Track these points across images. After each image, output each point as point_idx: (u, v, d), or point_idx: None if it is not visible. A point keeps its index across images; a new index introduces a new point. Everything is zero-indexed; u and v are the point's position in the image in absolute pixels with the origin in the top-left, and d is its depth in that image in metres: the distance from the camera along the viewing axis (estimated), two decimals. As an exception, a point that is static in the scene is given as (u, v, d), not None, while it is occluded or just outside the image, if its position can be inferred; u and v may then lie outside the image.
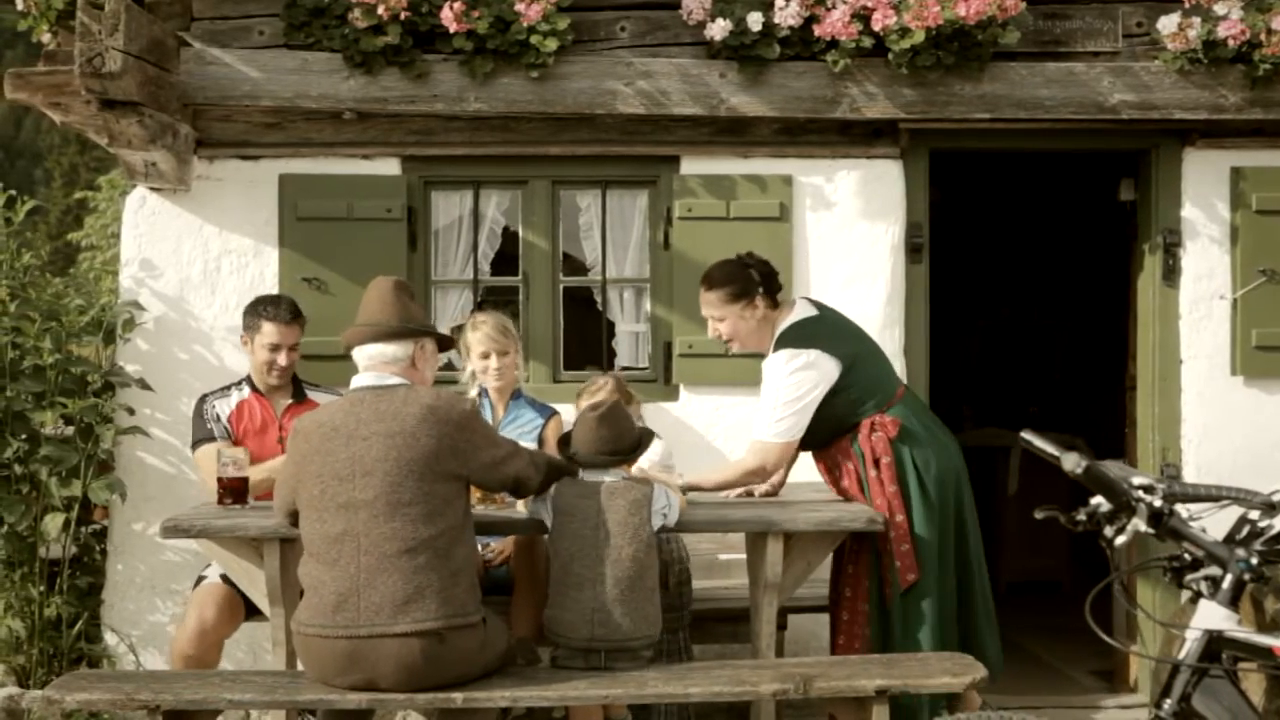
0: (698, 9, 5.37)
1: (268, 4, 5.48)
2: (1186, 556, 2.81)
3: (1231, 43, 5.31)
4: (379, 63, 5.40)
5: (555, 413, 4.92)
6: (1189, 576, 2.79)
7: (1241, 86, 5.44)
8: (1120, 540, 2.79)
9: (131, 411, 5.45)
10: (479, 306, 5.66)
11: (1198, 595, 2.77)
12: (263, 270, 5.59)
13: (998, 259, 9.33)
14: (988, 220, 9.00)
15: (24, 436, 5.23)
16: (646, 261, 5.73)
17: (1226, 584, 2.72)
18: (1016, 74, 5.48)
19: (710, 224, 5.56)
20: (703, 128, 5.61)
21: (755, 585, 4.34)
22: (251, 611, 4.64)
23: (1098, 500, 2.83)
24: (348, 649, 3.65)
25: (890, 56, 5.32)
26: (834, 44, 5.33)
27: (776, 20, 5.31)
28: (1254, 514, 2.81)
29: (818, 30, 5.30)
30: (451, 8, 5.21)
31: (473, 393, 4.92)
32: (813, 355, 4.38)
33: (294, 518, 3.86)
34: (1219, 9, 5.34)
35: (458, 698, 3.72)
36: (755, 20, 5.31)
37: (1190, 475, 5.61)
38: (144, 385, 5.40)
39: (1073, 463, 2.77)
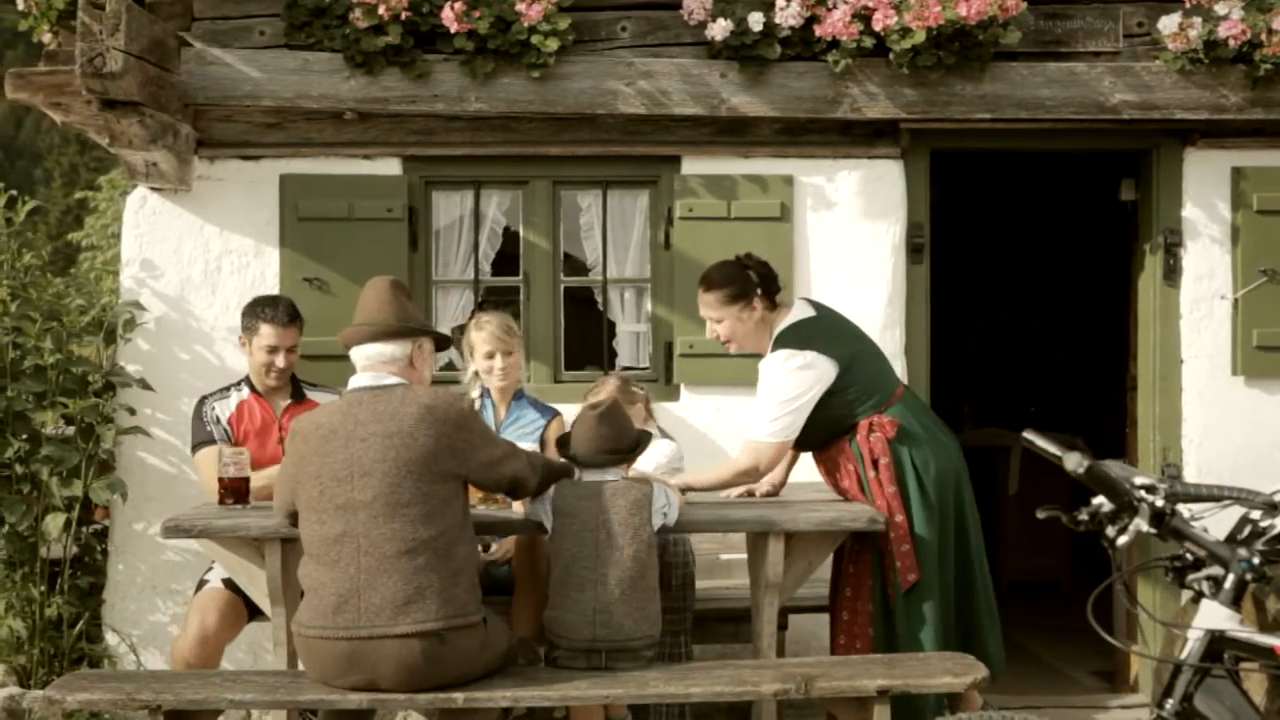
0: (699, 9, 5.37)
1: (268, 4, 5.48)
2: (1188, 556, 2.81)
3: (1232, 43, 5.31)
4: (380, 63, 5.40)
5: (557, 413, 4.91)
6: (1191, 576, 2.79)
7: (1242, 86, 5.44)
8: (1122, 540, 2.79)
9: (132, 411, 5.45)
10: (480, 307, 5.66)
11: (1199, 595, 2.77)
12: (264, 270, 5.59)
13: (998, 259, 9.33)
14: (988, 220, 9.00)
15: (25, 436, 5.23)
16: (647, 261, 5.74)
17: (1228, 584, 2.72)
18: (1017, 74, 5.48)
19: (711, 224, 5.57)
20: (703, 128, 5.61)
21: (756, 585, 4.34)
22: (253, 613, 4.64)
23: (1100, 500, 2.82)
24: (348, 650, 3.65)
25: (891, 56, 5.32)
26: (835, 44, 5.33)
27: (777, 20, 5.31)
28: (1255, 514, 2.81)
29: (818, 30, 5.31)
30: (452, 8, 5.21)
31: (474, 393, 4.91)
32: (810, 356, 4.38)
33: (293, 518, 3.85)
34: (1220, 9, 5.34)
35: (459, 698, 3.71)
36: (756, 20, 5.31)
37: (1191, 475, 5.61)
38: (145, 385, 5.40)
39: (1075, 463, 2.77)
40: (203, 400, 5.00)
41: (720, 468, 4.68)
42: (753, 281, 4.50)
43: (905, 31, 5.22)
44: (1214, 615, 2.71)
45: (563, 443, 4.20)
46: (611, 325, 5.83)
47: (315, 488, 3.71)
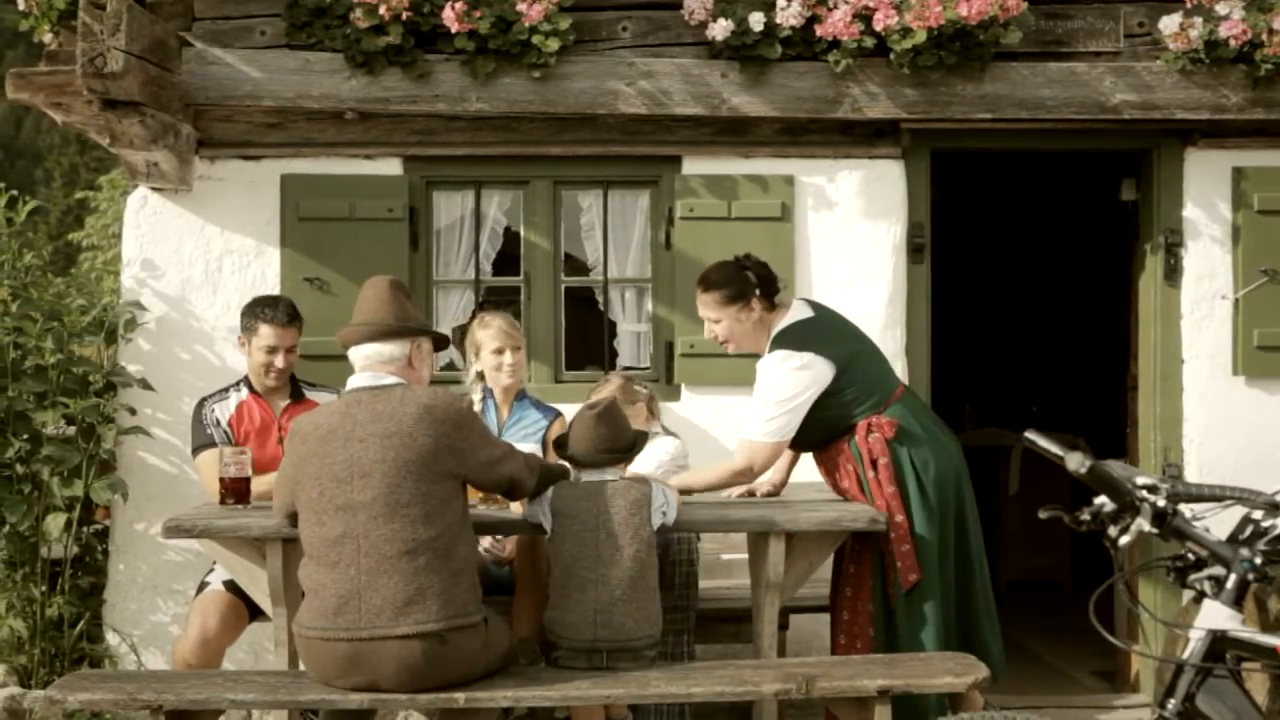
0: (699, 9, 5.37)
1: (269, 4, 5.48)
2: (1190, 556, 2.81)
3: (1233, 43, 5.31)
4: (381, 63, 5.40)
5: (559, 414, 4.91)
6: (1193, 576, 2.79)
7: (1243, 86, 5.44)
8: (1124, 540, 2.78)
9: (133, 411, 5.45)
10: (480, 307, 5.66)
11: (1201, 595, 2.77)
12: (264, 270, 5.59)
13: (999, 259, 9.33)
14: (989, 220, 9.00)
15: (26, 436, 5.23)
16: (648, 261, 5.74)
17: (1230, 584, 2.72)
18: (1018, 74, 5.48)
19: (712, 224, 5.57)
20: (704, 128, 5.61)
21: (757, 585, 4.34)
22: (254, 614, 4.63)
23: (1102, 500, 2.82)
24: (349, 651, 3.65)
25: (892, 56, 5.32)
26: (836, 44, 5.33)
27: (778, 20, 5.31)
28: (1257, 514, 2.81)
29: (819, 30, 5.31)
30: (453, 8, 5.21)
31: (476, 395, 4.91)
32: (807, 358, 4.38)
33: (293, 519, 3.85)
34: (1220, 9, 5.34)
35: (460, 698, 3.71)
36: (757, 20, 5.31)
37: (1192, 475, 5.61)
38: (146, 385, 5.40)
39: (1077, 462, 2.77)
40: (202, 402, 4.99)
41: (715, 468, 4.67)
42: (751, 282, 4.50)
43: (906, 31, 5.22)
44: (1216, 615, 2.71)
45: (560, 443, 4.20)
46: (612, 325, 5.83)
47: (315, 489, 3.71)
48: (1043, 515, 2.91)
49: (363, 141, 5.62)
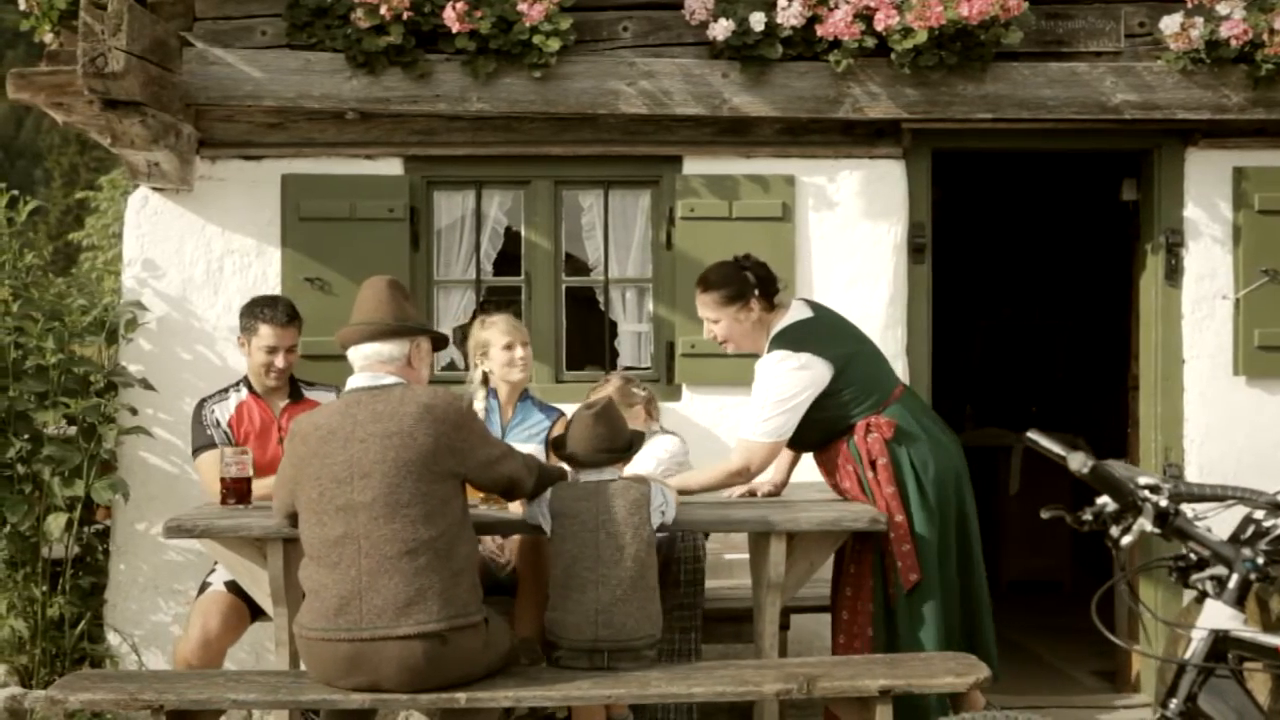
0: (700, 9, 5.37)
1: (270, 4, 5.48)
2: (1192, 556, 2.81)
3: (1234, 43, 5.31)
4: (381, 63, 5.40)
5: (562, 415, 4.91)
6: (1195, 576, 2.79)
7: (1244, 86, 5.44)
8: (1126, 540, 2.78)
9: (134, 411, 5.45)
10: (481, 307, 5.66)
11: (1203, 595, 2.77)
12: (265, 270, 5.59)
13: (1000, 259, 9.33)
14: (990, 220, 9.00)
15: (27, 436, 5.23)
16: (649, 261, 5.74)
17: (1232, 584, 2.72)
18: (1019, 74, 5.48)
19: (712, 224, 5.57)
20: (705, 128, 5.61)
21: (758, 585, 4.34)
22: (255, 614, 4.63)
23: (1104, 500, 2.82)
24: (350, 652, 3.65)
25: (893, 56, 5.32)
26: (836, 44, 5.33)
27: (779, 20, 5.31)
28: (1259, 514, 2.81)
29: (820, 30, 5.30)
30: (454, 8, 5.21)
31: (479, 396, 4.91)
32: (805, 358, 4.39)
33: (293, 519, 3.85)
34: (1221, 9, 5.34)
35: (461, 698, 3.71)
36: (758, 20, 5.31)
37: (1193, 475, 5.61)
38: (147, 385, 5.40)
39: (1079, 463, 2.76)
40: (201, 403, 4.99)
41: (713, 469, 4.67)
42: (750, 282, 4.50)
43: (907, 31, 5.22)
44: (1218, 615, 2.71)
45: (558, 444, 4.20)
46: (613, 325, 5.83)
47: (315, 489, 3.71)
48: (1045, 515, 2.91)
49: (364, 141, 5.62)
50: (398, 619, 3.61)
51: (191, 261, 5.60)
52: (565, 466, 4.21)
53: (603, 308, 5.81)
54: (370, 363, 3.88)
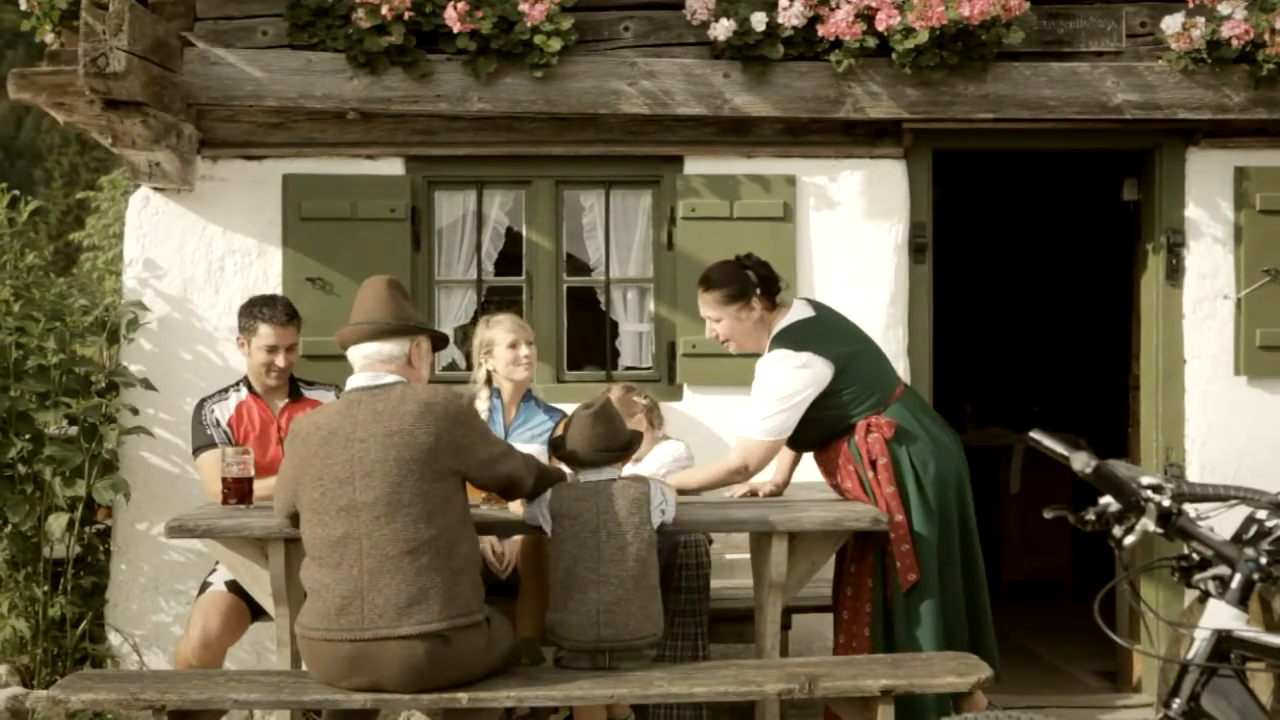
0: (701, 9, 5.37)
1: (271, 4, 5.48)
2: (1195, 556, 2.81)
3: (1235, 43, 5.31)
4: (383, 63, 5.40)
5: (565, 415, 4.91)
6: (1197, 576, 2.79)
7: (1245, 86, 5.44)
8: (1129, 540, 2.78)
9: (135, 411, 5.45)
10: (483, 308, 5.66)
11: (1206, 595, 2.77)
12: (266, 270, 5.59)
13: (1001, 259, 9.33)
14: (991, 220, 9.00)
15: (28, 436, 5.23)
16: (650, 261, 5.74)
17: (1235, 583, 2.71)
18: (1020, 74, 5.48)
19: (713, 224, 5.57)
20: (706, 128, 5.61)
21: (759, 585, 4.34)
22: (256, 614, 4.63)
23: (1107, 500, 2.82)
24: (352, 652, 3.65)
25: (894, 56, 5.32)
26: (838, 44, 5.33)
27: (780, 20, 5.31)
28: (1261, 514, 2.81)
29: (821, 30, 5.30)
30: (455, 8, 5.21)
31: (482, 395, 4.91)
32: (806, 357, 4.39)
33: (294, 520, 3.85)
34: (1223, 9, 5.34)
35: (463, 698, 3.71)
36: (759, 20, 5.31)
37: (1194, 475, 5.61)
38: (148, 385, 5.40)
39: (1082, 462, 2.76)
40: (201, 403, 4.99)
41: (711, 466, 4.68)
42: (751, 281, 4.50)
43: (908, 31, 5.22)
44: (1221, 615, 2.71)
45: (557, 444, 4.20)
46: (614, 325, 5.83)
47: (317, 490, 3.71)
48: (1048, 515, 2.91)
49: (365, 141, 5.62)
50: (399, 619, 3.61)
51: (193, 261, 5.60)
52: (565, 469, 4.21)
53: (604, 308, 5.81)
54: (370, 362, 3.88)
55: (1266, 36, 5.31)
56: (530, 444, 4.72)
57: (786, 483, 4.84)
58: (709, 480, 4.60)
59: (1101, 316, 8.41)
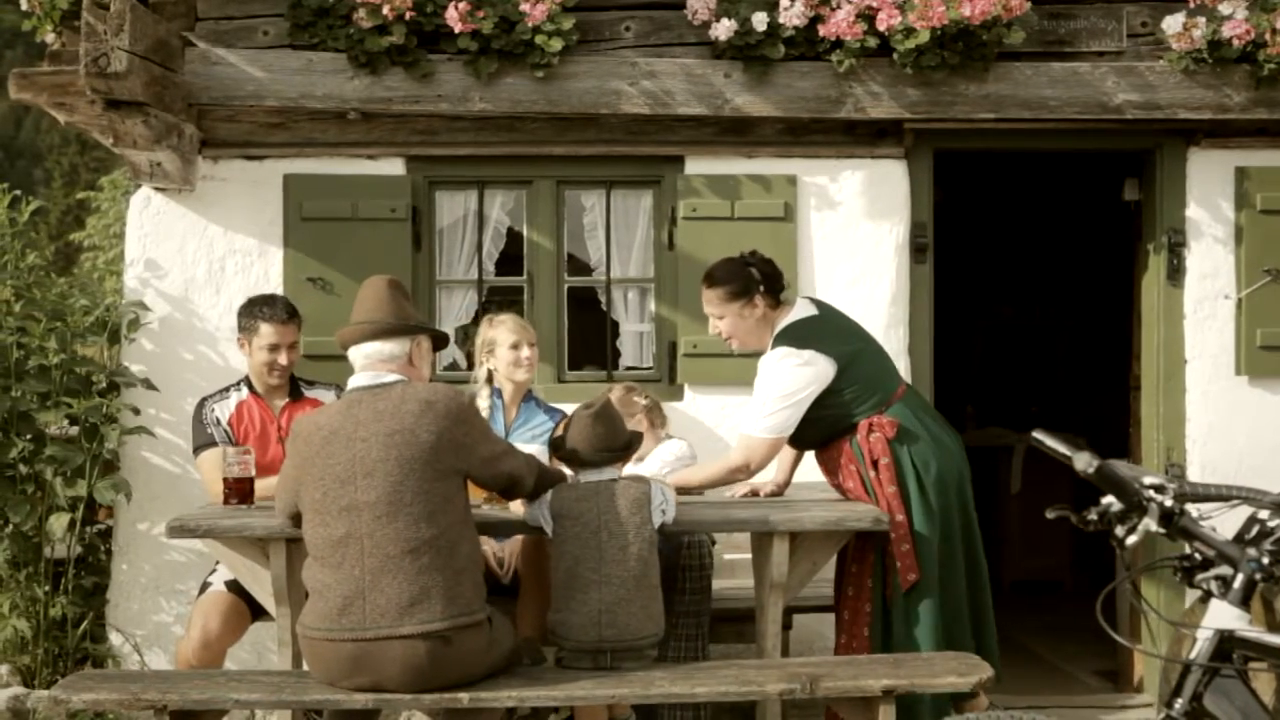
0: (702, 9, 5.37)
1: (272, 4, 5.48)
2: (1197, 556, 2.81)
3: (1236, 42, 5.31)
4: (384, 63, 5.40)
5: (565, 415, 4.91)
6: (1199, 576, 2.79)
7: (1246, 86, 5.44)
8: (1131, 540, 2.78)
9: (136, 411, 5.45)
10: (484, 308, 5.66)
11: (1208, 595, 2.77)
12: (267, 270, 5.59)
13: (1002, 258, 9.33)
14: (992, 220, 9.00)
15: (29, 437, 5.23)
16: (651, 261, 5.74)
17: (1238, 584, 2.71)
18: (1021, 74, 5.48)
19: (714, 224, 5.57)
20: (707, 128, 5.61)
21: (761, 585, 4.34)
22: (257, 613, 4.63)
23: (1109, 500, 2.82)
24: (353, 652, 3.65)
25: (895, 56, 5.32)
26: (839, 44, 5.32)
27: (781, 20, 5.31)
28: (1264, 514, 2.81)
29: (822, 30, 5.30)
30: (456, 8, 5.21)
31: (483, 394, 4.91)
32: (808, 355, 4.39)
33: (296, 520, 3.85)
34: (1224, 9, 5.34)
35: (464, 698, 3.72)
36: (760, 20, 5.31)
37: (1195, 475, 5.61)
38: (149, 385, 5.40)
39: (1085, 462, 2.76)
40: (202, 402, 4.99)
41: (712, 465, 4.68)
42: (755, 279, 4.51)
43: (909, 31, 5.22)
44: (1223, 615, 2.71)
45: (557, 445, 4.20)
46: (615, 325, 5.83)
47: (318, 490, 3.71)
48: (1050, 515, 2.90)
49: (366, 141, 5.62)
50: (401, 619, 3.61)
51: (193, 261, 5.60)
52: (565, 469, 4.21)
53: (605, 308, 5.81)
54: (371, 362, 3.88)
55: (1267, 36, 5.31)
56: (531, 444, 4.72)
57: (788, 482, 4.84)
58: (711, 478, 4.60)
59: (1102, 316, 8.41)
